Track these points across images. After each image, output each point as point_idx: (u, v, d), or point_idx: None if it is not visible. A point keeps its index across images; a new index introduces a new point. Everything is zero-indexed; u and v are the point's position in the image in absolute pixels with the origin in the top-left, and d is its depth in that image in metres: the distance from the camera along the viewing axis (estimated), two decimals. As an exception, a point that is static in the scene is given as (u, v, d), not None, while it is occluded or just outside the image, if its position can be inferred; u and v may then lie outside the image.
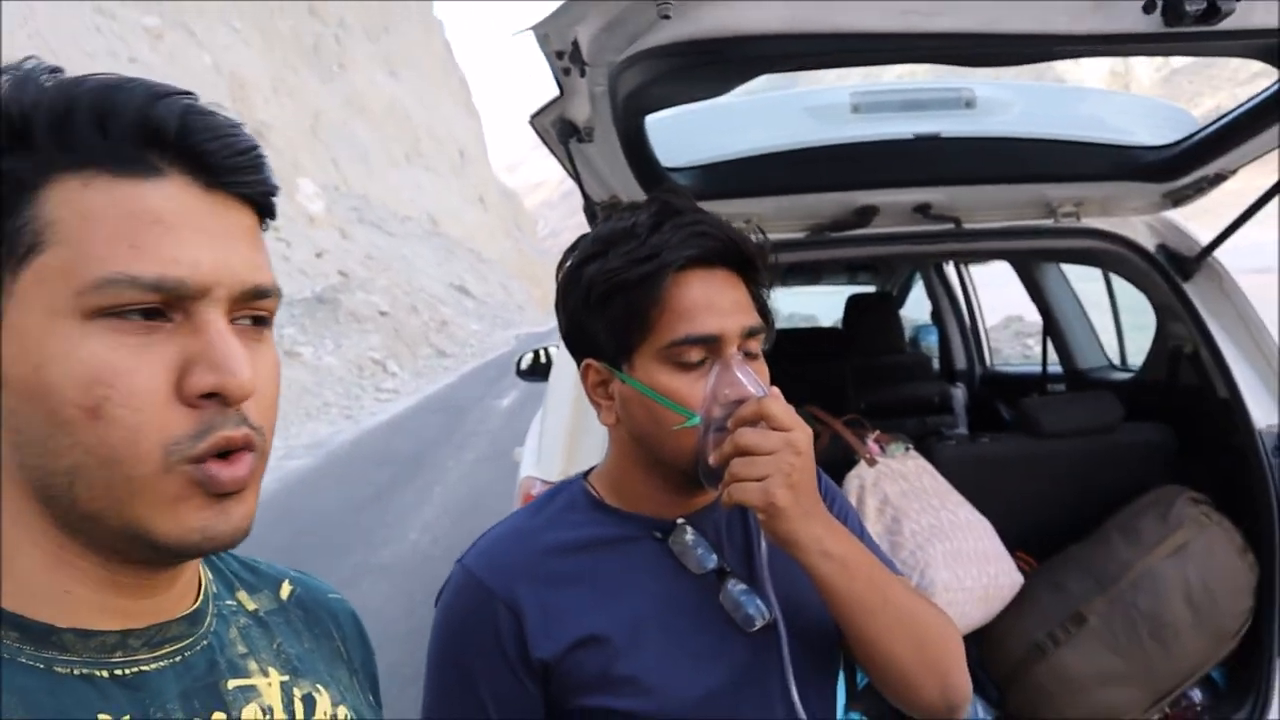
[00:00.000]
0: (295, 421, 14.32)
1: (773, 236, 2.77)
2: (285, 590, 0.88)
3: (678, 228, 1.14)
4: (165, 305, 0.65)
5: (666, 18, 1.33)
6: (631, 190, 2.39)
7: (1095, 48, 1.56)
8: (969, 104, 2.53)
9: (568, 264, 1.22)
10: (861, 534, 1.34)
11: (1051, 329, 3.89)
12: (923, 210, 2.67)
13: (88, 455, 0.63)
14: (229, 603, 0.80)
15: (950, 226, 2.70)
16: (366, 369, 18.81)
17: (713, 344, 1.13)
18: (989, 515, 2.58)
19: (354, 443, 12.59)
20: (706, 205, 2.72)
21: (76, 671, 0.66)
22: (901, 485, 2.52)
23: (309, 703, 0.79)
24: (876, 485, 2.52)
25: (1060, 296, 3.86)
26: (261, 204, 0.72)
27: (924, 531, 2.41)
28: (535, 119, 2.06)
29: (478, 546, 1.26)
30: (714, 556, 1.22)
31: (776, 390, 1.14)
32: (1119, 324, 3.82)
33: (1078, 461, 2.76)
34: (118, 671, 0.67)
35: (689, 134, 2.51)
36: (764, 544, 1.19)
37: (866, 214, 2.66)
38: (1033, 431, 2.78)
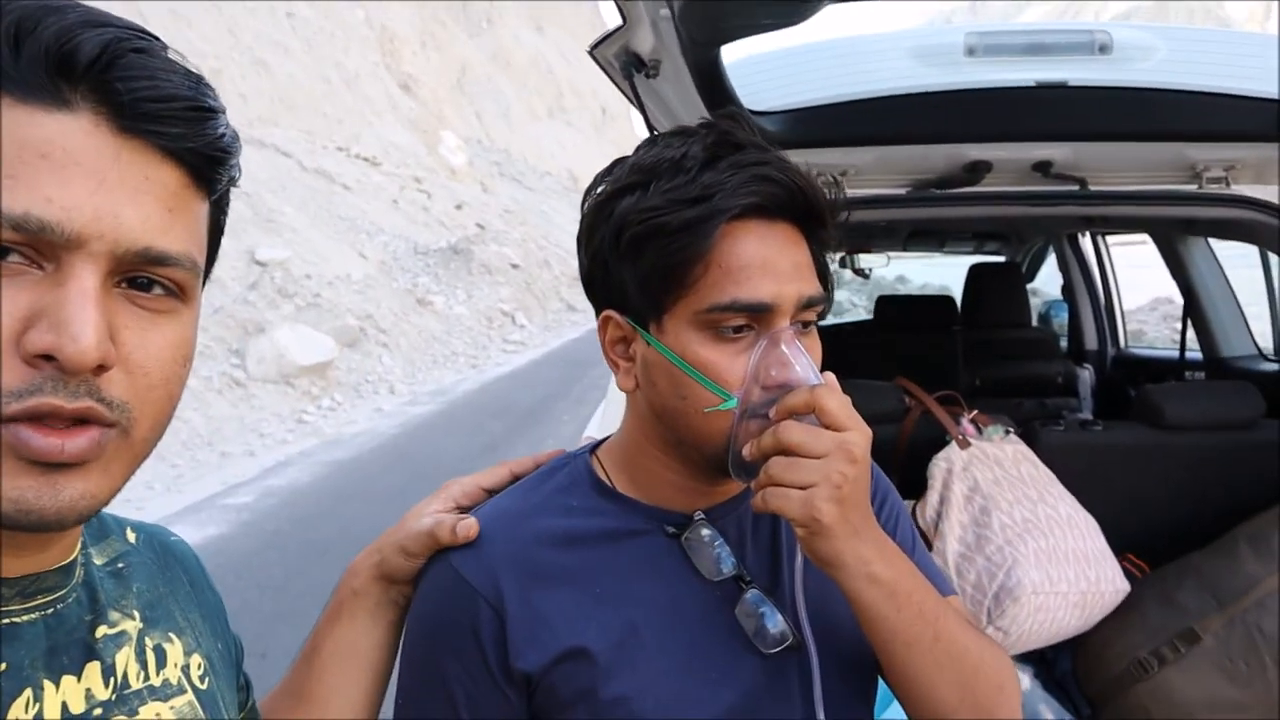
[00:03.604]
0: (423, 368, 14.65)
1: (873, 191, 2.58)
2: (131, 536, 0.83)
3: (737, 167, 0.94)
4: (32, 249, 0.59)
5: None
6: (712, 135, 2.20)
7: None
8: (1103, 49, 2.23)
9: (598, 193, 1.02)
10: (913, 546, 1.15)
11: (1193, 311, 3.51)
12: (1043, 168, 2.39)
13: None
14: (90, 552, 0.77)
15: (1074, 188, 2.42)
16: (495, 320, 19.07)
17: (763, 313, 0.95)
18: (1097, 512, 2.31)
19: (476, 392, 12.80)
20: (797, 155, 2.52)
21: None
22: (996, 472, 2.27)
23: (159, 654, 0.76)
24: (967, 470, 2.27)
25: (1205, 275, 3.46)
26: (195, 164, 0.65)
27: (1016, 525, 2.16)
28: (597, 50, 1.89)
29: None
30: (733, 560, 1.04)
31: (832, 378, 0.94)
32: (1275, 308, 3.41)
33: (1205, 459, 2.44)
34: None
35: (779, 76, 2.30)
36: (800, 554, 0.99)
37: (978, 170, 2.40)
38: (1154, 421, 2.47)
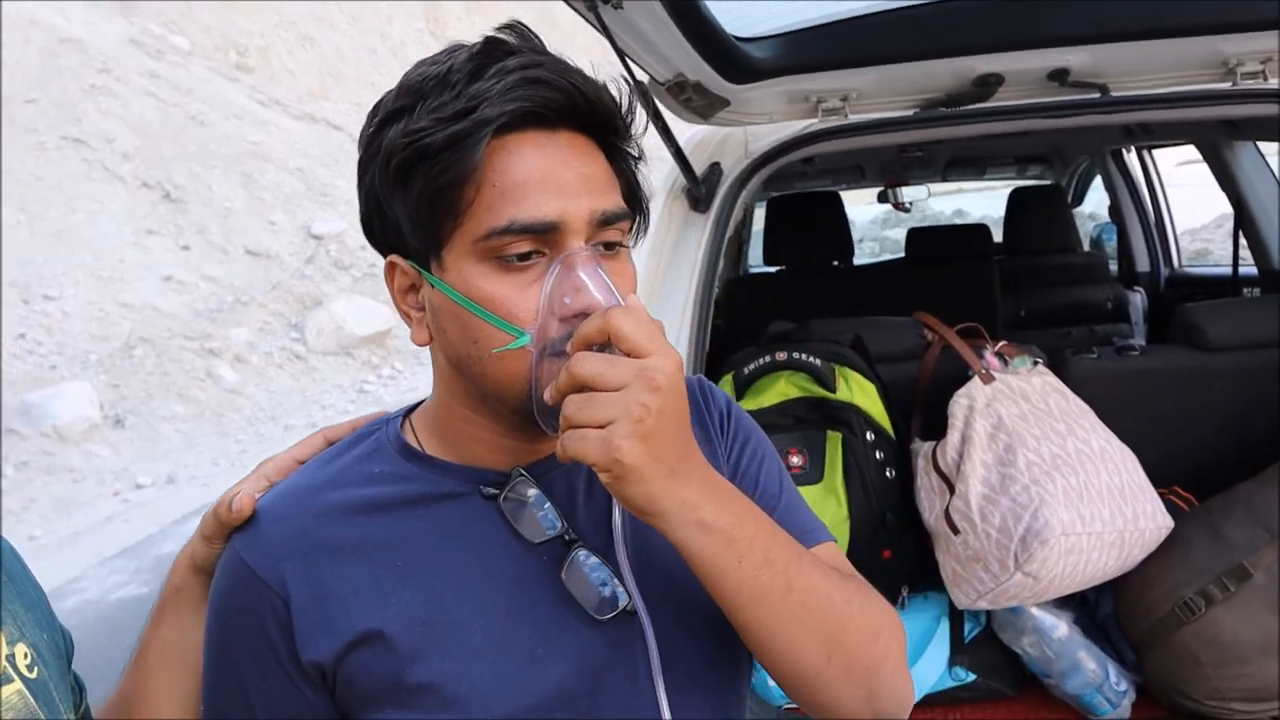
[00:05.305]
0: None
1: (879, 115, 2.42)
2: None
3: (505, 73, 0.83)
4: None
5: None
6: (697, 69, 2.06)
7: None
8: (1116, -62, 2.03)
9: (369, 127, 0.90)
10: (780, 492, 1.02)
11: (1245, 223, 3.26)
12: (1059, 77, 2.20)
13: None
14: None
15: (1095, 95, 2.23)
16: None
17: (549, 233, 0.84)
18: (1137, 444, 2.15)
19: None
20: (794, 80, 2.36)
21: None
22: (1022, 407, 2.12)
23: None
24: (990, 406, 2.12)
25: (1256, 183, 3.20)
26: None
27: (1043, 462, 2.02)
28: (552, -21, 1.77)
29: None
30: (558, 519, 0.92)
31: (636, 300, 0.83)
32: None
33: (1253, 381, 2.25)
34: None
35: (766, -3, 2.14)
36: (618, 506, 0.88)
37: (989, 84, 2.22)
38: (1196, 343, 2.29)
